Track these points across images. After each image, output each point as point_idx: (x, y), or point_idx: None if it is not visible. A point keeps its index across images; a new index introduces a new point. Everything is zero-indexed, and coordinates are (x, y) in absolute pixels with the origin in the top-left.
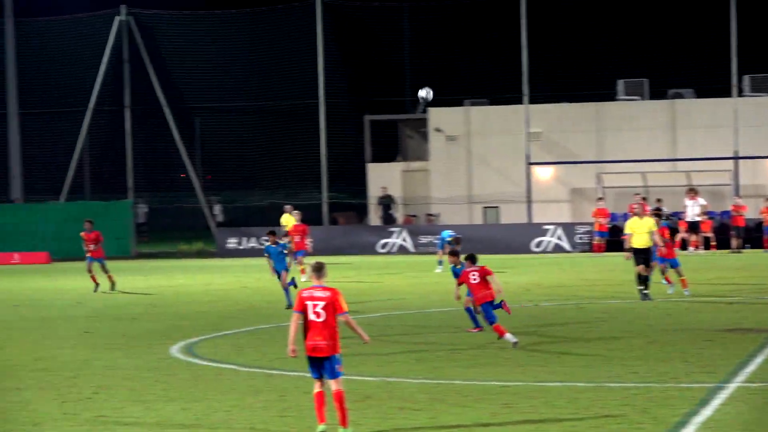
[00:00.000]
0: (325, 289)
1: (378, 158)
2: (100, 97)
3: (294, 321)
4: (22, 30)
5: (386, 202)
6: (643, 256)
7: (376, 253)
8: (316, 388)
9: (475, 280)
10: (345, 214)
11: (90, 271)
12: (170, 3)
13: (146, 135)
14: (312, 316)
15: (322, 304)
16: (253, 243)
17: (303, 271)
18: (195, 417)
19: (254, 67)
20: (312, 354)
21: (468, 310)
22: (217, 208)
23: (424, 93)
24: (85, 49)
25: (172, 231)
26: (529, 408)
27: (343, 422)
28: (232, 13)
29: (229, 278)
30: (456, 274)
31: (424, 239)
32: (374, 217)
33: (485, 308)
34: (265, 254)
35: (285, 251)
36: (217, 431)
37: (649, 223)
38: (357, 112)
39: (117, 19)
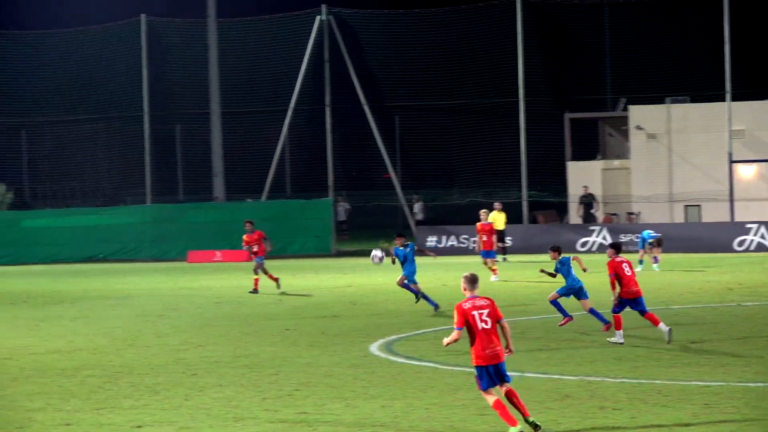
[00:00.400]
0: (482, 298)
1: (578, 156)
2: (300, 96)
3: (456, 336)
4: (224, 30)
5: (588, 200)
6: None
7: (576, 251)
8: (492, 397)
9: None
10: (545, 213)
11: (257, 271)
12: (370, 2)
13: (346, 133)
14: (481, 325)
15: (486, 311)
16: (452, 241)
17: (494, 271)
18: (394, 415)
19: (454, 65)
20: (493, 362)
21: (554, 302)
22: (417, 207)
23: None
24: (286, 49)
25: (372, 229)
26: (731, 408)
27: (526, 412)
28: (432, 11)
29: (428, 276)
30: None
31: (624, 238)
32: (574, 216)
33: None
34: (394, 256)
35: (413, 252)
36: (417, 429)
37: None
38: (557, 110)
39: (317, 18)
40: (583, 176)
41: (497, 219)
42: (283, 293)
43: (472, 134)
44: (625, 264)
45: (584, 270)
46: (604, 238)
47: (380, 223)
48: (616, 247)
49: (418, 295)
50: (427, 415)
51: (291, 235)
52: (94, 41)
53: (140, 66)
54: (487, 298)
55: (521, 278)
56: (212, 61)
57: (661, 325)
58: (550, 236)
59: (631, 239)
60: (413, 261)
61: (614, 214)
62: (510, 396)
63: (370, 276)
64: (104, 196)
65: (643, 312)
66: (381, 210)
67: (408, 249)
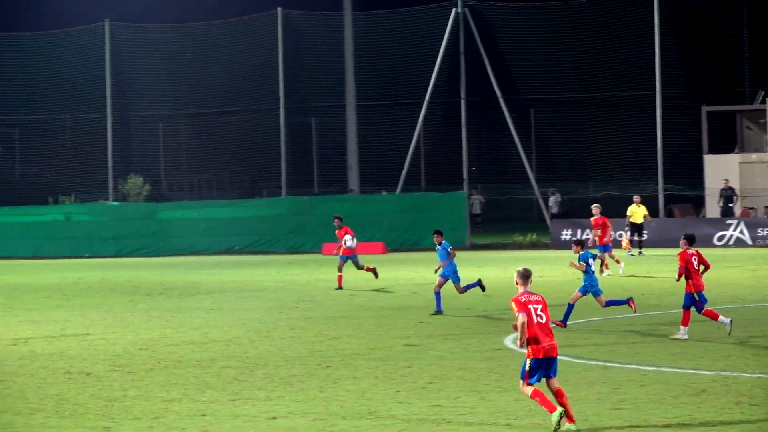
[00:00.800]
0: (535, 294)
1: (715, 150)
2: (435, 89)
3: (523, 319)
4: (359, 23)
5: (728, 194)
6: None
7: (712, 245)
8: (531, 387)
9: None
10: (681, 206)
11: (341, 268)
12: None
13: (481, 127)
14: (537, 319)
15: (540, 306)
16: (588, 235)
17: (606, 266)
18: (528, 408)
19: (589, 57)
20: (551, 354)
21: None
22: (552, 200)
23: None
24: (421, 42)
25: (506, 222)
26: None
27: (572, 419)
28: (568, 3)
29: (562, 269)
30: None
31: (762, 232)
32: (711, 210)
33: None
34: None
35: (449, 251)
36: (551, 423)
37: None
38: (694, 102)
39: (453, 11)
40: (720, 170)
41: (636, 212)
42: (414, 289)
43: (608, 127)
44: (694, 257)
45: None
46: (742, 233)
47: (514, 216)
48: (690, 239)
49: (464, 289)
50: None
51: (425, 228)
52: (231, 34)
53: (276, 59)
54: (539, 295)
55: (657, 272)
56: (348, 54)
57: (721, 318)
58: (686, 230)
59: None
60: (449, 261)
61: (752, 208)
62: (563, 396)
63: (505, 269)
64: (240, 188)
65: (701, 309)
66: (515, 203)
67: (441, 248)
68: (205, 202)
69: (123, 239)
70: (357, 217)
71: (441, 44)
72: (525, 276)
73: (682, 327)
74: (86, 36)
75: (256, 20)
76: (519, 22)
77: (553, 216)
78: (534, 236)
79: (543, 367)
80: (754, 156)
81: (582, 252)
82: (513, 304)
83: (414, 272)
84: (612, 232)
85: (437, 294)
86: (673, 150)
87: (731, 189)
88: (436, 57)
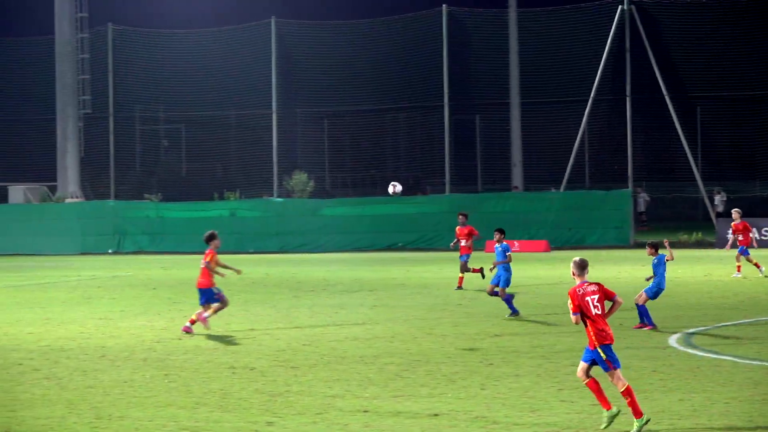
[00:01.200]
0: (591, 284)
1: None
2: (600, 86)
3: (575, 321)
4: (524, 20)
5: None
6: None
7: None
8: (588, 376)
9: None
10: None
11: (463, 269)
12: None
13: (646, 124)
14: (594, 311)
15: (597, 297)
16: (754, 234)
17: (739, 269)
18: (693, 408)
19: (756, 53)
20: (608, 342)
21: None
22: (718, 199)
23: (392, 188)
24: (586, 38)
25: (671, 221)
26: None
27: (638, 413)
28: (735, 0)
29: (728, 269)
30: None
31: None
32: None
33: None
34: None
35: (507, 253)
36: (716, 423)
37: None
38: None
39: (619, 7)
40: None
41: None
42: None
43: None
44: None
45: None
46: None
47: (679, 214)
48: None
49: (507, 302)
50: (726, 410)
51: (590, 226)
52: (396, 31)
53: (441, 55)
54: (597, 284)
55: None
56: (512, 51)
57: None
58: None
59: None
60: (504, 264)
61: None
62: (629, 393)
63: (671, 268)
64: (404, 185)
65: None
66: (681, 202)
67: (500, 248)
68: (369, 198)
69: (287, 235)
70: (520, 215)
71: (606, 41)
72: (581, 266)
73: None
74: (252, 32)
75: (421, 17)
76: (685, 18)
77: (718, 215)
78: (699, 235)
79: (600, 354)
80: None
81: (657, 255)
82: (569, 298)
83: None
84: (754, 236)
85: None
86: None
87: None
88: (602, 54)
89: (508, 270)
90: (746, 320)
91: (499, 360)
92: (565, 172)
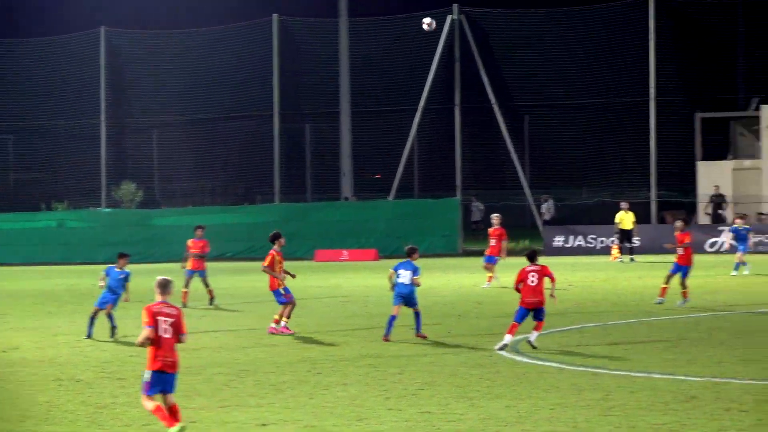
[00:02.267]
0: (171, 306)
1: (708, 156)
2: (430, 95)
3: (147, 335)
4: (355, 30)
5: (718, 200)
6: None
7: (704, 251)
8: (153, 402)
9: (533, 282)
10: (673, 213)
11: (186, 286)
12: (501, 1)
13: (476, 133)
14: (162, 333)
15: (171, 320)
16: (580, 241)
17: (489, 279)
18: (519, 415)
19: (584, 63)
20: (169, 370)
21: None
22: (545, 206)
23: (427, 24)
24: (416, 48)
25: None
26: None
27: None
28: (563, 10)
29: (555, 276)
30: None
31: (755, 238)
32: (703, 216)
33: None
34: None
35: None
36: (541, 429)
37: None
38: (688, 109)
39: (448, 17)
40: (713, 176)
41: (624, 219)
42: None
43: (602, 133)
44: (534, 273)
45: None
46: (734, 239)
47: (509, 222)
48: (529, 256)
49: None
50: (551, 416)
51: (419, 234)
52: (227, 40)
53: (271, 65)
54: (176, 307)
55: (650, 278)
56: (343, 61)
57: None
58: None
59: (761, 240)
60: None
61: (744, 215)
62: (174, 413)
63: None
64: (234, 194)
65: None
66: (510, 210)
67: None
68: (198, 208)
69: (116, 246)
70: (350, 224)
71: (436, 51)
72: (163, 285)
73: (508, 335)
74: (81, 42)
75: (252, 26)
76: (514, 28)
77: (545, 222)
78: (526, 242)
79: (161, 381)
80: (747, 163)
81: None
82: (144, 313)
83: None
84: (505, 244)
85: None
86: (666, 156)
87: (721, 195)
88: (431, 63)
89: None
90: (571, 327)
91: (327, 369)
92: (394, 180)
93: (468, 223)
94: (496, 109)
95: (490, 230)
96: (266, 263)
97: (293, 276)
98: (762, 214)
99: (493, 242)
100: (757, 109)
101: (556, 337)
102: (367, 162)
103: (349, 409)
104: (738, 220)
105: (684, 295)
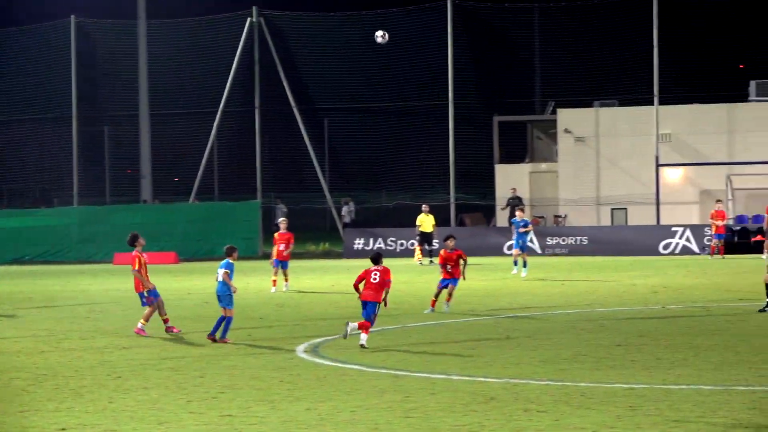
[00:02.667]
0: None
1: (506, 159)
2: (230, 98)
3: None
4: (154, 31)
5: (515, 202)
6: None
7: (503, 254)
8: None
9: (374, 280)
10: (472, 215)
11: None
12: (301, 4)
13: (275, 136)
14: None
15: None
16: (380, 244)
17: (277, 282)
18: (320, 417)
19: (385, 67)
20: None
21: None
22: (345, 209)
23: (380, 34)
24: (216, 51)
25: (301, 231)
26: (654, 411)
27: None
28: (362, 13)
29: (355, 279)
30: None
31: (551, 241)
32: (501, 218)
33: (367, 305)
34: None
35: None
36: (342, 431)
37: None
38: (486, 113)
39: (248, 20)
40: (510, 179)
41: (425, 222)
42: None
43: (402, 137)
44: (376, 273)
45: None
46: (531, 241)
47: (309, 225)
48: (373, 259)
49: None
50: (353, 418)
51: (219, 237)
52: (24, 41)
53: (69, 67)
54: None
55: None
56: (141, 63)
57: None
58: (476, 239)
59: (558, 242)
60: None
61: (541, 217)
62: None
63: (298, 278)
64: (32, 197)
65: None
66: (311, 212)
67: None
68: None
69: None
70: (150, 227)
71: (236, 53)
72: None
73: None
74: None
75: (49, 27)
76: (313, 31)
77: (345, 225)
78: (326, 245)
79: None
80: (543, 166)
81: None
82: None
83: (206, 282)
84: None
85: None
86: (465, 159)
87: (518, 198)
88: (231, 66)
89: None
90: (373, 329)
91: (127, 373)
92: (194, 183)
93: (269, 226)
94: (296, 111)
95: (278, 234)
96: (135, 266)
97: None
98: (558, 216)
99: (281, 247)
100: (554, 112)
101: (356, 339)
102: (167, 165)
103: (149, 413)
104: (518, 212)
105: (448, 300)
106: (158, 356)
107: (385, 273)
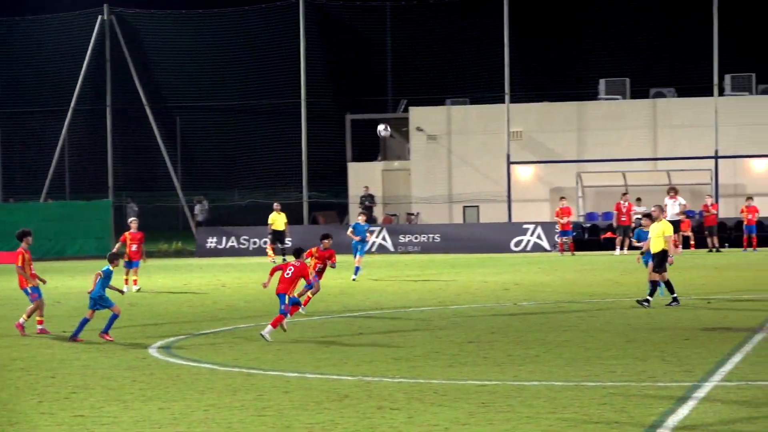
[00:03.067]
0: None
1: (359, 157)
2: (81, 96)
3: None
4: (4, 28)
5: (367, 201)
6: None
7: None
8: None
9: (288, 275)
10: (325, 213)
11: None
12: (153, 2)
13: (128, 134)
14: None
15: None
16: (233, 242)
17: (129, 282)
18: (173, 417)
19: (237, 66)
20: None
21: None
22: (197, 208)
23: (382, 128)
24: (67, 48)
25: (154, 230)
26: (506, 407)
27: None
28: (214, 12)
29: (208, 278)
30: None
31: (403, 239)
32: (354, 217)
33: (281, 298)
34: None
35: None
36: (195, 431)
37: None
38: (338, 111)
39: (99, 17)
40: (363, 177)
41: (276, 220)
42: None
43: (255, 135)
44: (290, 268)
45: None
46: (384, 239)
47: (162, 224)
48: (295, 253)
49: None
50: (206, 417)
51: (70, 236)
52: None
53: None
54: None
55: None
56: None
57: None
58: None
59: (410, 240)
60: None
61: (394, 215)
62: None
63: (150, 278)
64: None
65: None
66: (163, 211)
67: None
68: None
69: None
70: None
71: (87, 51)
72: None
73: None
74: None
75: None
76: (166, 29)
77: (198, 224)
78: (179, 244)
79: None
80: (396, 164)
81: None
82: None
83: (58, 281)
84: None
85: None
86: (318, 157)
87: (371, 196)
88: (83, 64)
89: None
90: (225, 328)
91: None
92: (45, 182)
93: (121, 225)
94: (148, 110)
95: (129, 234)
96: (19, 263)
97: (44, 282)
98: (411, 214)
99: (134, 247)
100: (406, 110)
101: (209, 338)
102: (16, 164)
103: (0, 414)
104: (361, 217)
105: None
106: (8, 357)
107: (302, 269)
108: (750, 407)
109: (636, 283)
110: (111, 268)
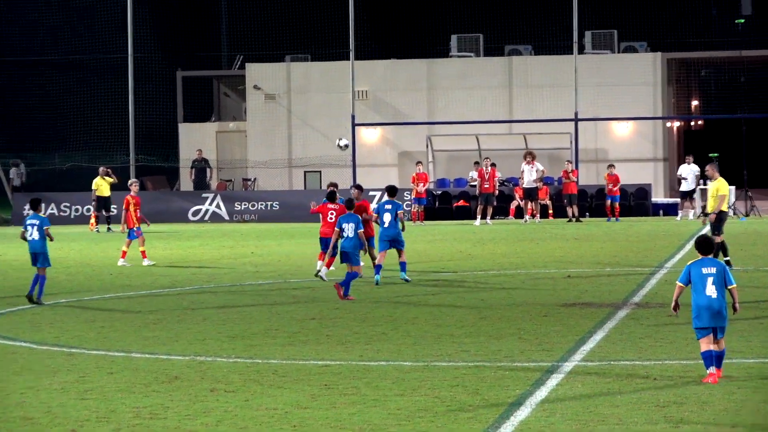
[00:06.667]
0: None
1: (191, 118)
2: None
3: None
4: None
5: (201, 165)
6: None
7: (187, 220)
8: None
9: (330, 219)
10: (154, 179)
11: None
12: None
13: None
14: None
15: None
16: (53, 209)
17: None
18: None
19: (60, 19)
20: None
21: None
22: (13, 172)
23: (343, 144)
24: None
25: None
26: (351, 389)
27: None
28: None
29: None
30: None
31: (239, 206)
32: (186, 182)
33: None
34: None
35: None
36: (11, 415)
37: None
38: (169, 67)
39: None
40: (196, 139)
41: (101, 186)
42: None
43: (77, 93)
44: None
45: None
46: (218, 207)
47: None
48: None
49: None
50: (22, 400)
51: None
52: None
53: None
54: None
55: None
56: None
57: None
58: (159, 204)
59: (246, 207)
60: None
61: (229, 181)
62: None
63: None
64: None
65: None
66: None
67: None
68: None
69: None
70: None
71: None
72: None
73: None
74: None
75: None
76: None
77: (15, 189)
78: None
79: None
80: (231, 125)
81: None
82: None
83: None
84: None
85: None
86: (146, 118)
87: (205, 160)
88: None
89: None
90: (44, 304)
91: None
92: None
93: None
94: None
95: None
96: None
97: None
98: (247, 180)
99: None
100: (242, 67)
101: (27, 315)
102: None
103: None
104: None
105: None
106: None
107: (342, 211)
108: (612, 387)
109: (491, 255)
110: (41, 215)
